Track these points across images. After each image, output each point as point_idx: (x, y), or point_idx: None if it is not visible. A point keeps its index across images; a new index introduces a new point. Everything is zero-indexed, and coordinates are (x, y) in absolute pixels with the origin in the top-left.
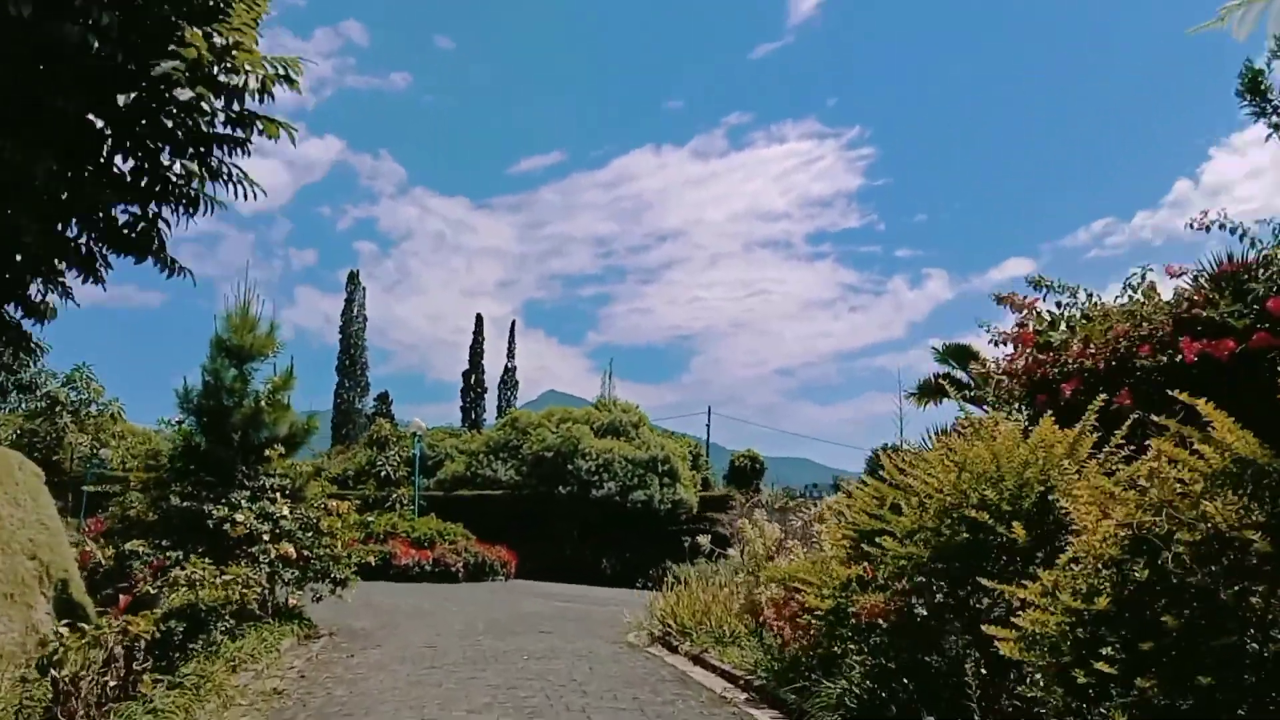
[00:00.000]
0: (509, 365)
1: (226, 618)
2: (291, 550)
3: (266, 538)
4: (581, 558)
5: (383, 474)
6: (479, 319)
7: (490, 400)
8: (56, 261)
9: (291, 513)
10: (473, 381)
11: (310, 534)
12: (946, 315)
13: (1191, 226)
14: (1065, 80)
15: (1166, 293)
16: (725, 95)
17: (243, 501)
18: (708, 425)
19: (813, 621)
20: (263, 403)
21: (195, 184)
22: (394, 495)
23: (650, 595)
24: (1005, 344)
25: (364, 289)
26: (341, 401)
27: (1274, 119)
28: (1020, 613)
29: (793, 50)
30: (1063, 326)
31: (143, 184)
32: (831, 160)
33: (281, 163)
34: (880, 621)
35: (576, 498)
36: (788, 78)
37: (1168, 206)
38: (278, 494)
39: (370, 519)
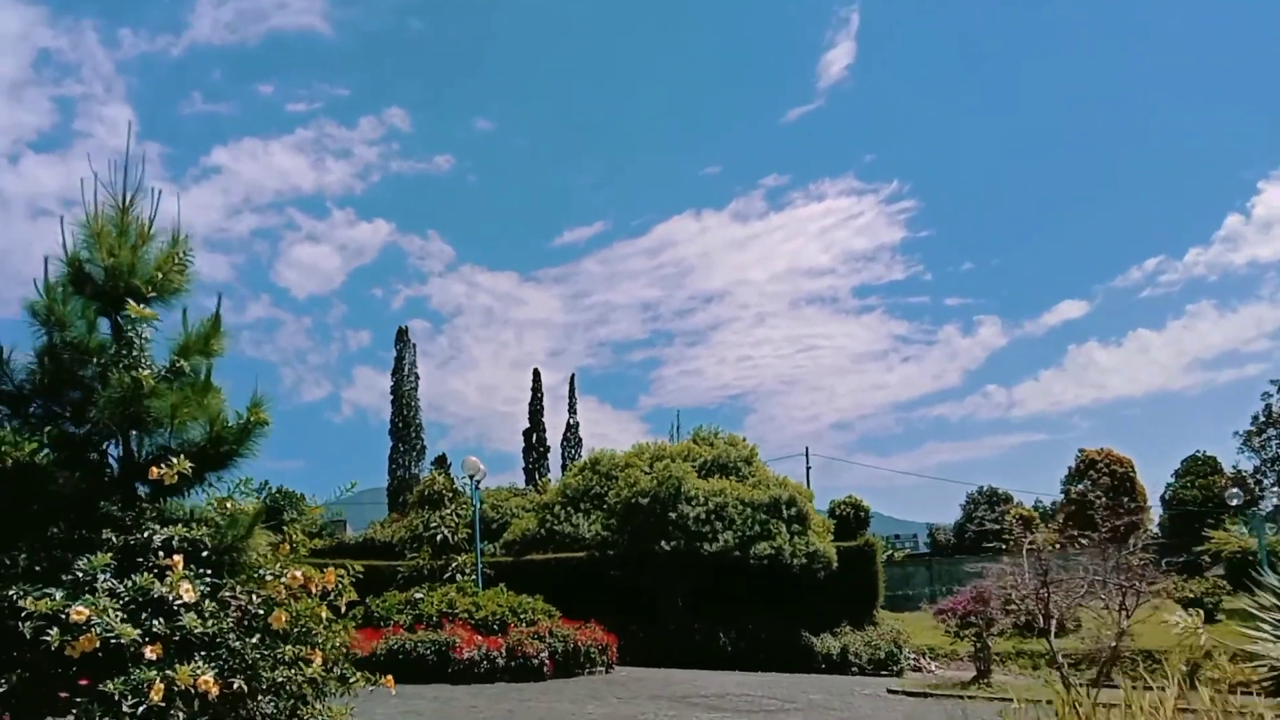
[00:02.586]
0: (571, 421)
1: None
2: (208, 680)
3: (149, 652)
4: (688, 632)
5: (438, 538)
6: (536, 374)
7: (554, 460)
8: None
9: (208, 598)
10: (534, 441)
11: (253, 639)
12: (1002, 360)
13: None
14: (1105, 117)
15: None
16: (761, 158)
17: (100, 575)
18: (807, 468)
19: None
20: (151, 379)
21: None
22: (453, 564)
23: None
24: None
25: (414, 345)
26: (397, 468)
27: None
28: None
29: (825, 112)
30: None
31: None
32: (872, 215)
33: (333, 247)
34: None
35: (682, 554)
36: (822, 138)
37: (1219, 241)
38: (178, 556)
39: (419, 595)
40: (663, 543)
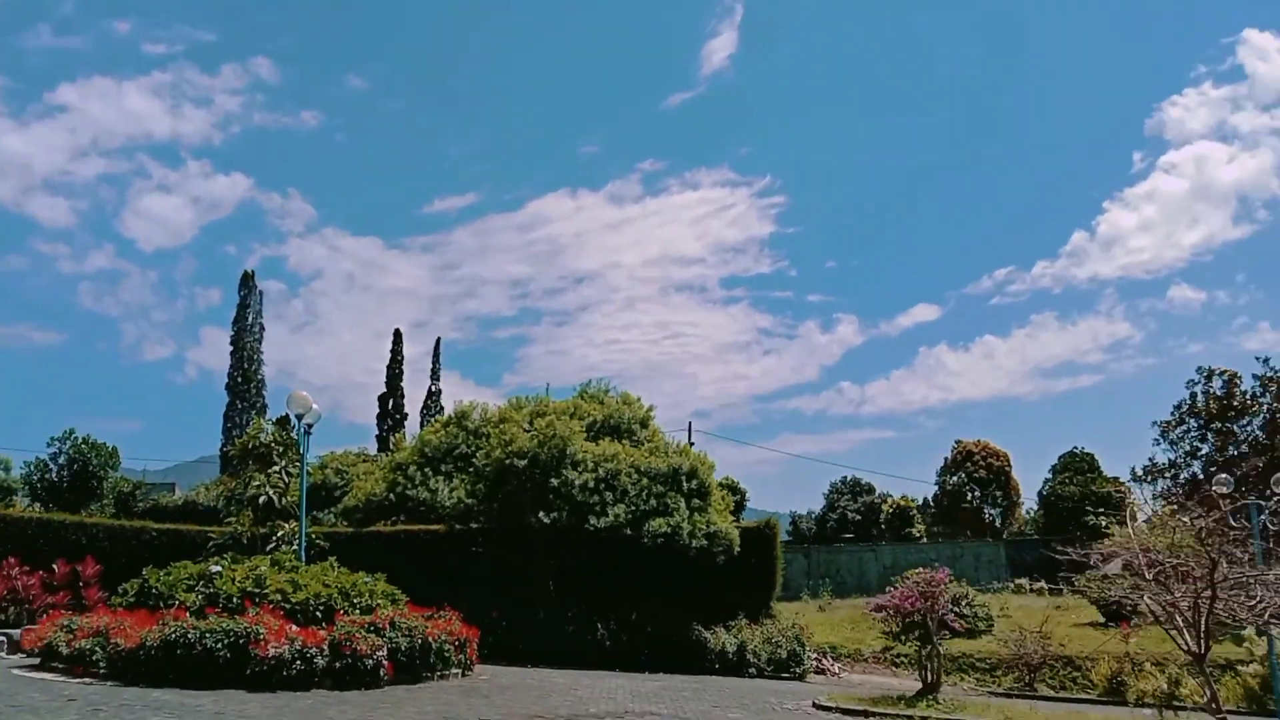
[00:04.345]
0: (433, 389)
1: None
2: None
3: None
4: (560, 622)
5: (261, 500)
6: (397, 335)
7: (412, 428)
8: None
9: None
10: (390, 407)
11: None
12: (857, 359)
13: None
14: (964, 131)
15: None
16: (640, 142)
17: None
18: (690, 443)
19: None
20: None
21: None
22: (279, 533)
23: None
24: None
25: (260, 293)
26: (234, 428)
27: None
28: None
29: (705, 100)
30: None
31: None
32: (744, 208)
33: (186, 199)
34: None
35: (563, 528)
36: (701, 126)
37: (1065, 256)
38: None
39: (216, 568)
40: (541, 514)
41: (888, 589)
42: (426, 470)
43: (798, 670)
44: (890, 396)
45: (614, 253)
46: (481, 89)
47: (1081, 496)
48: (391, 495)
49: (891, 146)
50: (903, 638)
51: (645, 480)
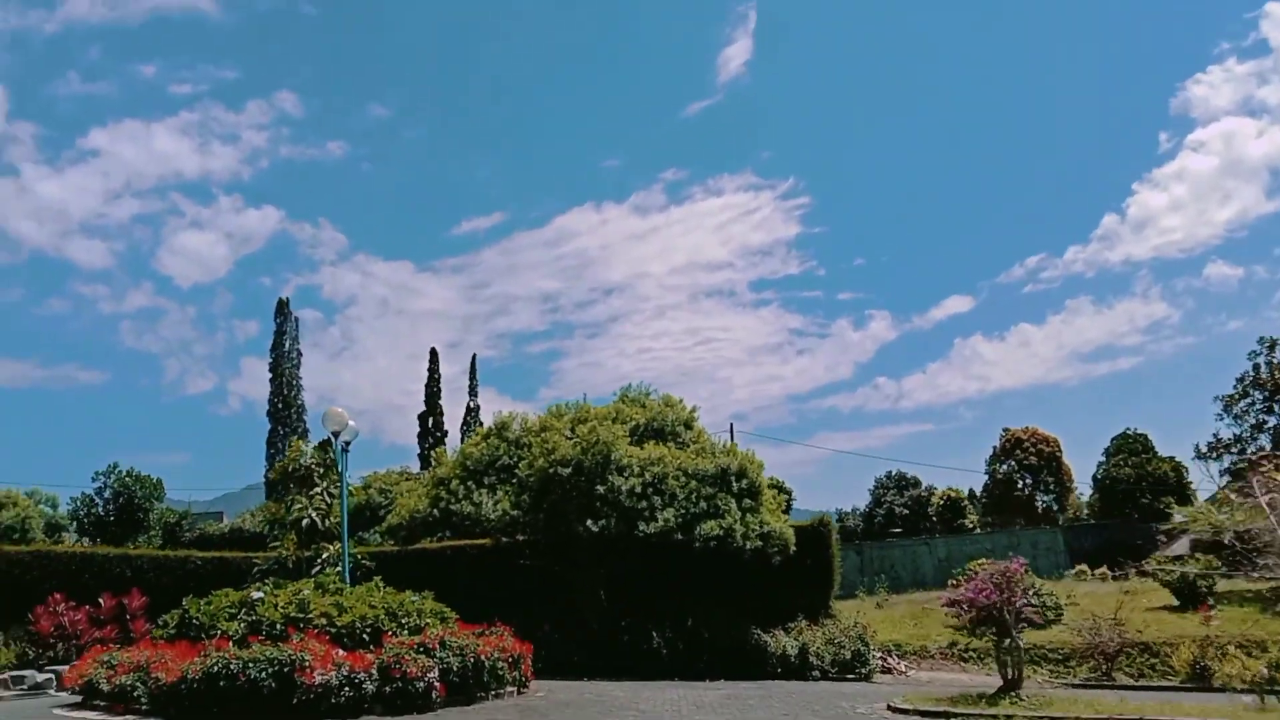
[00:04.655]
0: (471, 405)
1: None
2: None
3: None
4: (614, 632)
5: (304, 523)
6: (434, 354)
7: (452, 444)
8: None
9: None
10: (430, 425)
11: None
12: (892, 354)
13: None
14: (986, 121)
15: None
16: (661, 152)
17: None
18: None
19: None
20: None
21: None
22: (323, 555)
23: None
24: None
25: (296, 320)
26: (275, 452)
27: None
28: None
29: (724, 107)
30: None
31: None
32: (769, 211)
33: (219, 234)
34: None
35: (612, 536)
36: (721, 133)
37: (1097, 240)
38: None
39: (258, 594)
40: (589, 522)
41: (950, 582)
42: (469, 484)
43: (863, 671)
44: (927, 390)
45: (641, 263)
46: (501, 110)
47: (1137, 478)
48: (435, 511)
49: (913, 141)
50: (978, 631)
51: (693, 483)
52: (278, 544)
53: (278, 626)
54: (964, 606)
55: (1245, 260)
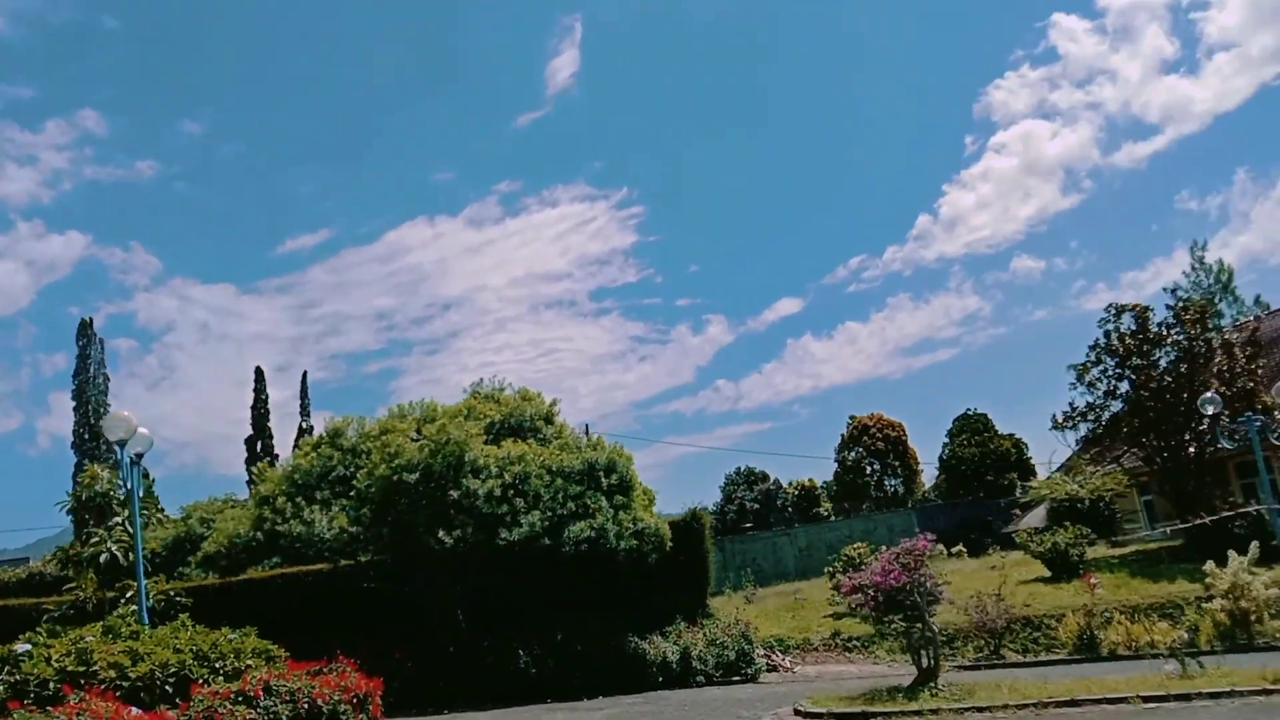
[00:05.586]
0: (304, 425)
1: None
2: None
3: None
4: (475, 654)
5: (102, 559)
6: (259, 374)
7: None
8: None
9: None
10: (258, 449)
11: None
12: (730, 356)
13: None
14: (805, 128)
15: None
16: (494, 164)
17: None
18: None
19: None
20: None
21: None
22: (128, 594)
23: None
24: None
25: (101, 341)
26: (80, 488)
27: None
28: None
29: (554, 119)
30: None
31: None
32: (605, 220)
33: (19, 263)
34: None
35: (471, 546)
36: (552, 144)
37: (913, 240)
38: None
39: (23, 646)
40: (441, 533)
41: (826, 570)
42: (298, 500)
43: (749, 671)
44: (764, 389)
45: (479, 275)
46: (323, 125)
47: (981, 456)
48: (259, 534)
49: (739, 148)
50: (886, 619)
51: (559, 481)
52: (74, 585)
53: (50, 686)
54: (870, 592)
55: (1046, 253)
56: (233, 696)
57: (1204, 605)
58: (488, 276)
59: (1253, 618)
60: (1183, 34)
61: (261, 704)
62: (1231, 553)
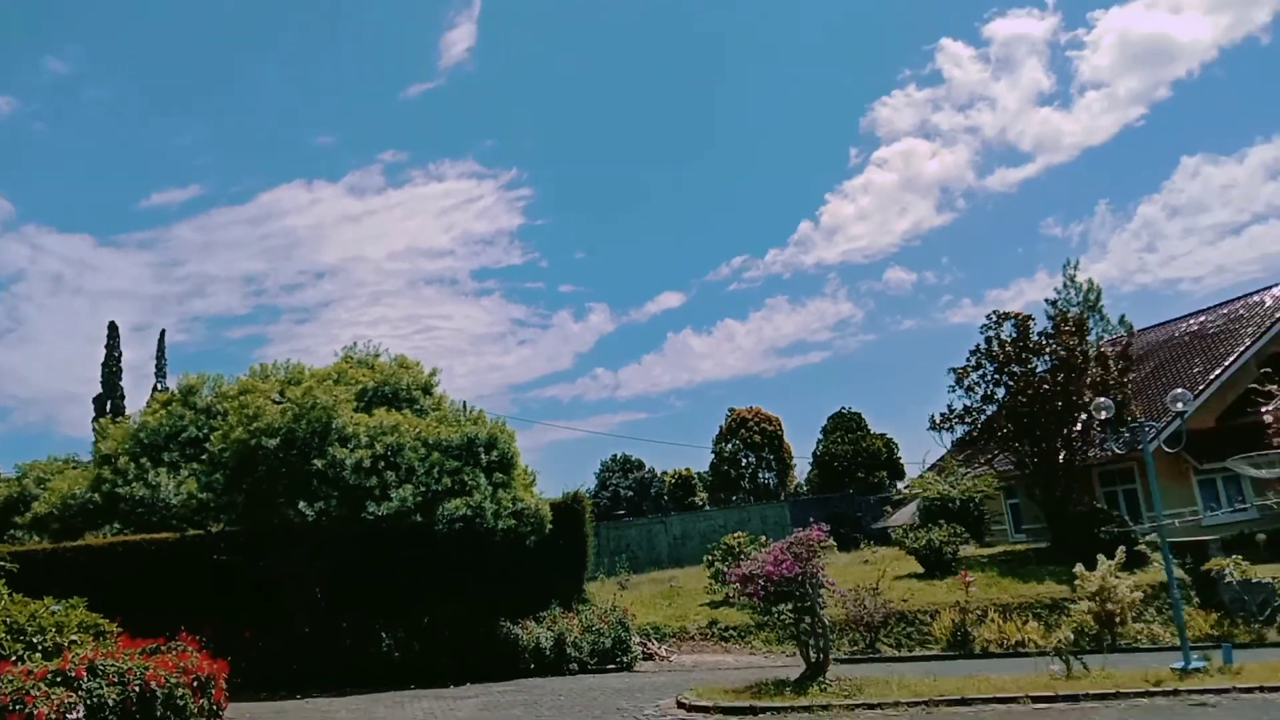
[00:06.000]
0: (159, 387)
1: None
2: None
3: None
4: (332, 636)
5: None
6: (113, 329)
7: None
8: None
9: None
10: (108, 409)
11: None
12: (610, 345)
13: None
14: (698, 128)
15: None
16: (379, 132)
17: None
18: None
19: None
20: None
21: None
22: None
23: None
24: None
25: None
26: None
27: None
28: None
29: (446, 92)
30: None
31: None
32: (492, 200)
33: None
34: None
35: (334, 520)
36: (443, 118)
37: (793, 244)
38: None
39: None
40: (302, 505)
41: (706, 558)
42: (143, 461)
43: (625, 660)
44: (642, 380)
45: (357, 246)
46: (202, 77)
47: (854, 454)
48: (96, 496)
49: (631, 141)
50: (775, 610)
51: (435, 454)
52: None
53: None
54: (760, 582)
55: (918, 267)
56: (49, 677)
57: (1071, 607)
58: (366, 247)
59: (1117, 620)
60: (1059, 70)
61: (84, 686)
62: (1101, 556)
